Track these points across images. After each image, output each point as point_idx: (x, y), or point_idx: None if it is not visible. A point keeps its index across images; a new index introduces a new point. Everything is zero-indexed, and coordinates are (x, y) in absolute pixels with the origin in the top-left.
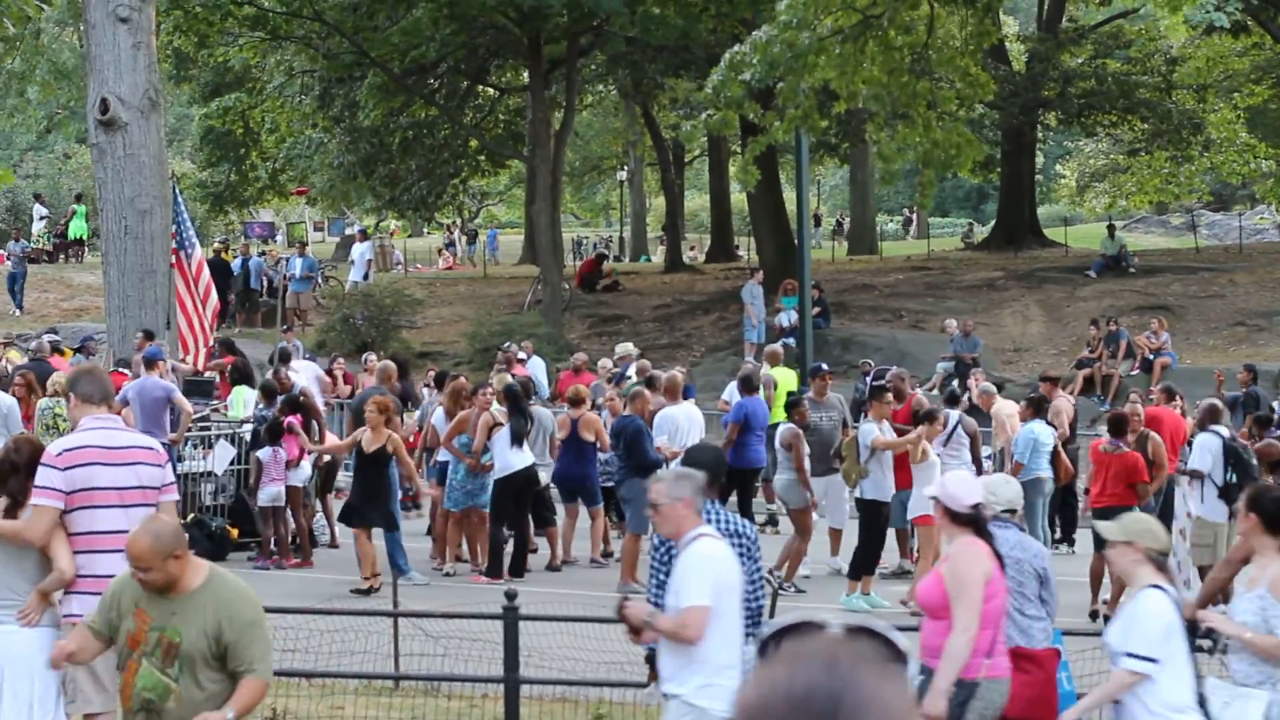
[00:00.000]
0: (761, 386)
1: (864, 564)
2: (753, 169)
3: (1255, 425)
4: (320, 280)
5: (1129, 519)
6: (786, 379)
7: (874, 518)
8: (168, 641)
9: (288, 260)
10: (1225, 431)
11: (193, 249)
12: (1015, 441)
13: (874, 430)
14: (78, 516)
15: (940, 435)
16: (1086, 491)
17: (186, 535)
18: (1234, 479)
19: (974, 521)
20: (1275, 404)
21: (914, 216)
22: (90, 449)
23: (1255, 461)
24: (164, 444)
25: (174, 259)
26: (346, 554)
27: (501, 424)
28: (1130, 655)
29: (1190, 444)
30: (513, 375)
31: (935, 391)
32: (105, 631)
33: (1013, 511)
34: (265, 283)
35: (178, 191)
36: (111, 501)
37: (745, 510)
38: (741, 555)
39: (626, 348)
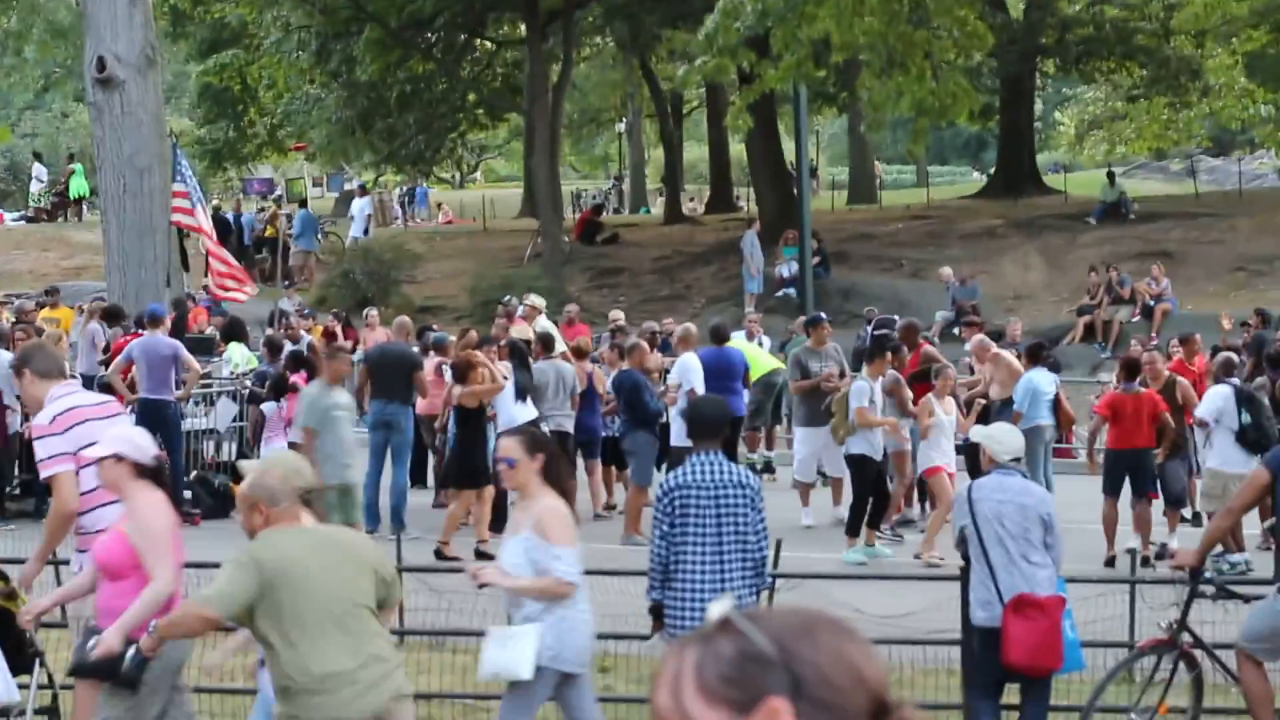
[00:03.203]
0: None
1: (857, 520)
2: (745, 116)
3: (1269, 364)
4: (320, 236)
5: None
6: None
7: (864, 473)
8: None
9: (289, 217)
10: (1237, 381)
11: (203, 205)
12: (1015, 390)
13: (866, 389)
14: (82, 476)
15: (949, 390)
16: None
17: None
18: (1250, 420)
19: (154, 473)
20: None
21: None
22: (79, 409)
23: (1268, 400)
24: (171, 402)
25: (192, 216)
26: None
27: (506, 378)
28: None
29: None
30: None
31: (935, 339)
32: None
33: (1017, 460)
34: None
35: (178, 150)
36: None
37: (731, 459)
38: (745, 505)
39: (617, 315)
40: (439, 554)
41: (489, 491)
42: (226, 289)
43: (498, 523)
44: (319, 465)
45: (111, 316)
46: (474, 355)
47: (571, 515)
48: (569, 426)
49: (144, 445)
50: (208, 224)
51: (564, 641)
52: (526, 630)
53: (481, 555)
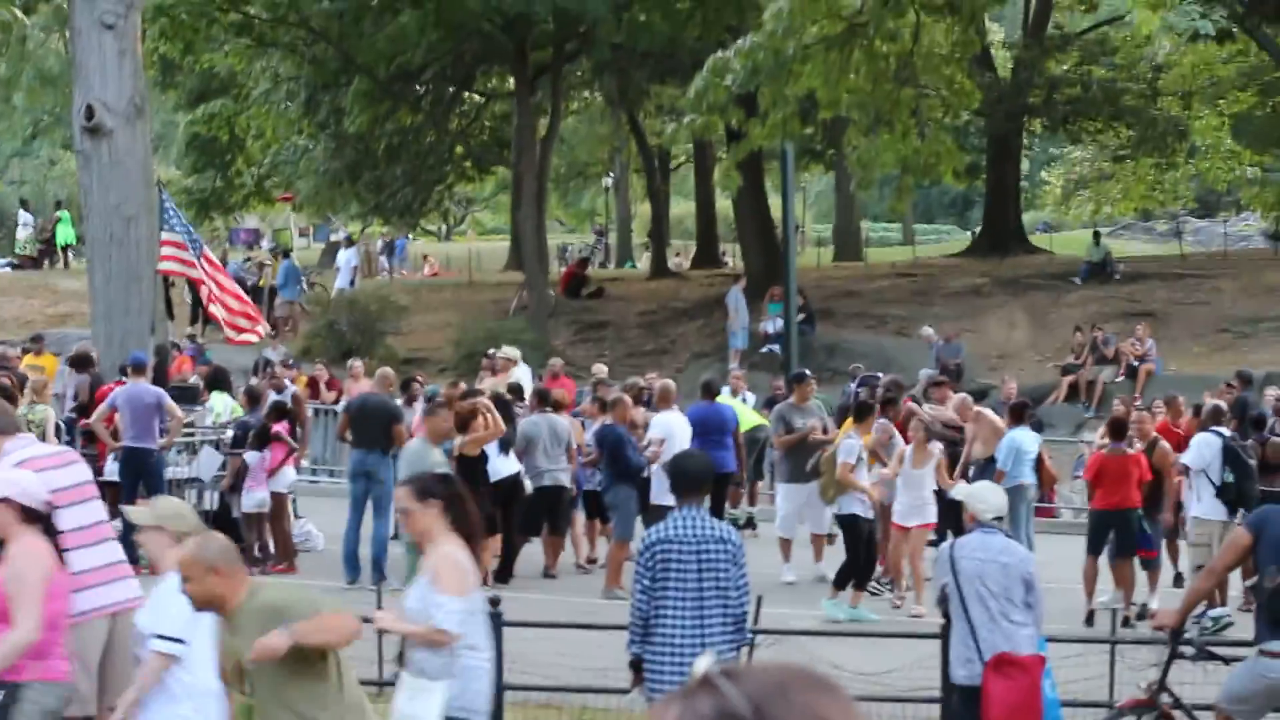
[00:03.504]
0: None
1: (847, 578)
2: (734, 173)
3: (1252, 427)
4: (305, 286)
5: (161, 503)
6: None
7: (856, 533)
8: (236, 663)
9: (270, 265)
10: (1226, 431)
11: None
12: (998, 449)
13: (856, 447)
14: None
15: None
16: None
17: (238, 555)
18: (1232, 478)
19: (41, 518)
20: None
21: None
22: (36, 459)
23: (1253, 462)
24: (154, 450)
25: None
26: (329, 560)
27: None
28: (160, 637)
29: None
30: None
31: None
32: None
33: (1000, 518)
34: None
35: (168, 198)
36: (72, 499)
37: (718, 515)
38: (726, 561)
39: (600, 369)
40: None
41: (493, 542)
42: (240, 329)
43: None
44: None
45: (79, 363)
46: (477, 403)
47: (471, 562)
48: (565, 480)
49: (33, 490)
50: (210, 268)
51: (466, 688)
52: (435, 686)
53: None
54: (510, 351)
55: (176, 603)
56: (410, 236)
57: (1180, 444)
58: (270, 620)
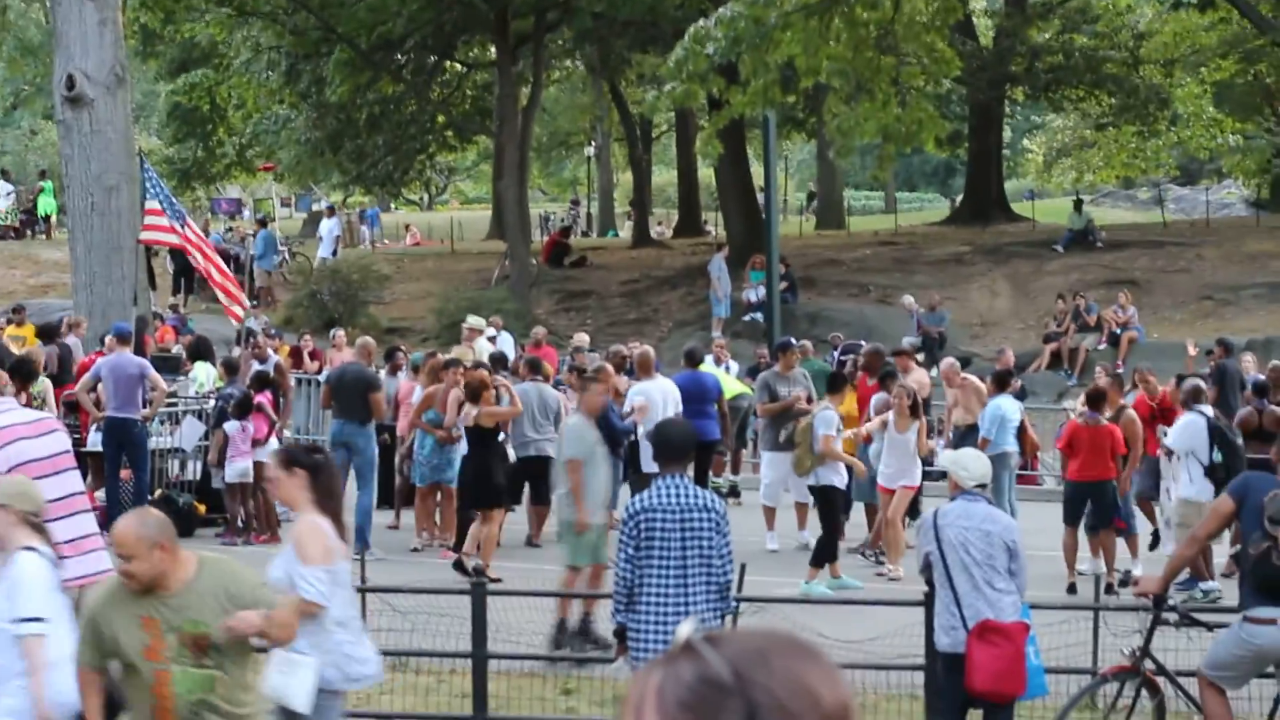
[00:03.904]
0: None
1: (825, 552)
2: (715, 141)
3: (1255, 392)
4: (287, 256)
5: (4, 481)
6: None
7: (832, 504)
8: (193, 636)
9: (252, 236)
10: (1209, 410)
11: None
12: (982, 417)
13: (833, 419)
14: None
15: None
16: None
17: (174, 528)
18: (1220, 458)
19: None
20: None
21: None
22: (11, 427)
23: (1240, 440)
24: (137, 420)
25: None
26: None
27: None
28: (23, 620)
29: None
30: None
31: None
32: (98, 662)
33: (983, 486)
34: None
35: (151, 168)
36: (46, 471)
37: (702, 483)
38: (710, 529)
39: (582, 338)
40: (479, 572)
41: (499, 514)
42: (228, 299)
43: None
44: (583, 501)
45: (46, 335)
46: (484, 375)
47: (334, 532)
48: (551, 451)
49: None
50: (196, 238)
51: (336, 662)
52: (306, 662)
53: (477, 572)
54: (474, 321)
55: (33, 583)
56: (380, 208)
57: (1151, 417)
58: (229, 598)
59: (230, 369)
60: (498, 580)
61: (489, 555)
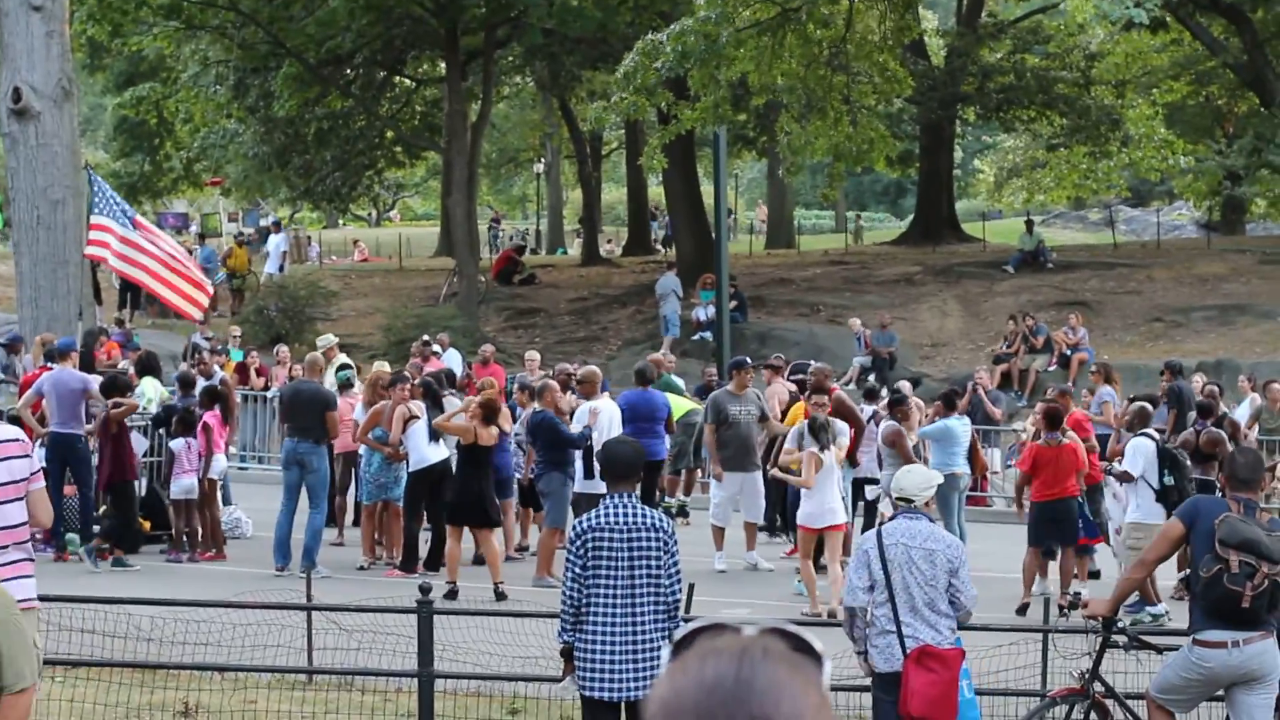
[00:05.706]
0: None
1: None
2: (660, 156)
3: (1200, 414)
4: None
5: None
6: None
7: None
8: None
9: (194, 251)
10: (1156, 435)
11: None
12: (925, 433)
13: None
14: None
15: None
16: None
17: None
18: (1171, 481)
19: None
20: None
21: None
22: None
23: (1189, 462)
24: (81, 436)
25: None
26: (258, 548)
27: (418, 417)
28: None
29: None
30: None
31: (852, 385)
32: None
33: (910, 501)
34: None
35: (99, 180)
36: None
37: (649, 503)
38: (658, 549)
39: (533, 356)
40: (500, 595)
41: (499, 531)
42: (187, 305)
43: (411, 561)
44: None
45: None
46: (494, 397)
47: None
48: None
49: None
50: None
51: None
52: None
53: (501, 596)
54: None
55: None
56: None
57: (1088, 434)
58: None
59: (186, 384)
60: (504, 598)
61: (497, 572)
